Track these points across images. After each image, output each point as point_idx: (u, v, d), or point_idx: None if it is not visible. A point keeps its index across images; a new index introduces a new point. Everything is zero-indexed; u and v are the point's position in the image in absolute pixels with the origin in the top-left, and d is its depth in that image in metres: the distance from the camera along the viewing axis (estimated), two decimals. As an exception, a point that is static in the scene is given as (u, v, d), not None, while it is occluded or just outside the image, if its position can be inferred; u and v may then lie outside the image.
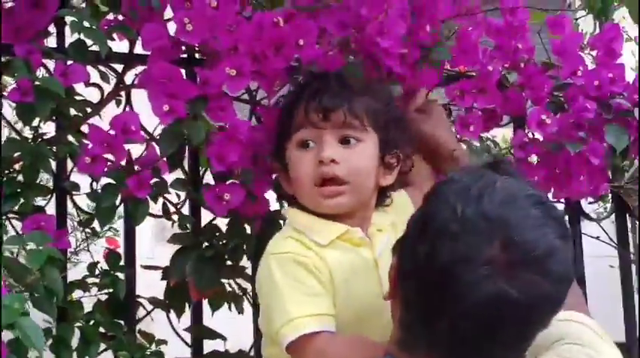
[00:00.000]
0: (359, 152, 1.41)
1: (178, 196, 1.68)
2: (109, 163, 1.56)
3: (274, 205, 1.66)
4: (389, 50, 1.57)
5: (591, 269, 2.01)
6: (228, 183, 1.59)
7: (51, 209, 1.65)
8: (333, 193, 1.40)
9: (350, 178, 1.40)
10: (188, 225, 1.66)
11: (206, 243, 1.64)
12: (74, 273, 1.68)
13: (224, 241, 1.64)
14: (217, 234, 1.66)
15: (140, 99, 1.67)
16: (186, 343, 1.76)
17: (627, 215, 2.12)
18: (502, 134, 2.48)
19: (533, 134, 1.81)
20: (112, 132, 1.55)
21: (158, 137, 1.64)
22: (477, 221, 1.08)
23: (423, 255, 1.11)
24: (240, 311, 1.72)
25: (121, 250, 1.73)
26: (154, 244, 1.76)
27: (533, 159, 1.78)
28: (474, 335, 1.09)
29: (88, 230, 1.73)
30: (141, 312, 1.74)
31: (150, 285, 1.75)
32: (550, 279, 1.08)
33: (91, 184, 1.64)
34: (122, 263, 1.68)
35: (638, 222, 2.24)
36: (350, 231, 1.40)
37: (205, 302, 1.73)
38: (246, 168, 1.57)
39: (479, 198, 1.10)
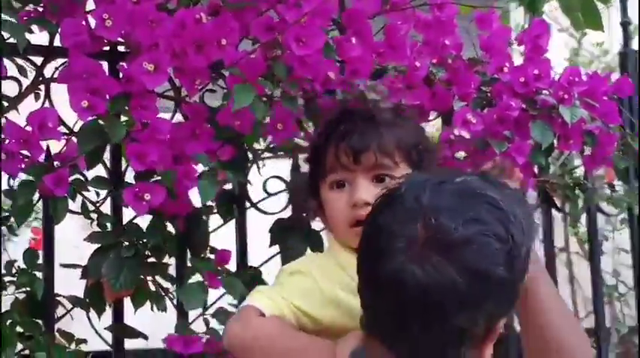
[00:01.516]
0: None
1: (98, 194, 1.63)
2: (26, 160, 1.52)
3: (198, 203, 1.64)
4: (304, 59, 1.53)
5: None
6: (149, 182, 1.55)
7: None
8: None
9: None
10: (108, 225, 1.62)
11: (126, 243, 1.60)
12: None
13: (145, 240, 1.61)
14: (138, 233, 1.62)
15: (61, 93, 1.62)
16: (107, 342, 1.73)
17: (552, 209, 2.15)
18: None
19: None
20: (28, 128, 1.51)
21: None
22: (412, 202, 1.11)
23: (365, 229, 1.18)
24: (163, 309, 1.69)
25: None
26: (80, 232, 1.71)
27: (461, 155, 1.79)
28: (393, 310, 1.10)
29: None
30: (61, 311, 1.70)
31: (71, 283, 1.71)
32: (458, 268, 1.07)
33: (8, 181, 1.60)
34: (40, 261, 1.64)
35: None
36: None
37: (128, 300, 1.69)
38: (166, 169, 1.54)
39: (424, 185, 1.12)
